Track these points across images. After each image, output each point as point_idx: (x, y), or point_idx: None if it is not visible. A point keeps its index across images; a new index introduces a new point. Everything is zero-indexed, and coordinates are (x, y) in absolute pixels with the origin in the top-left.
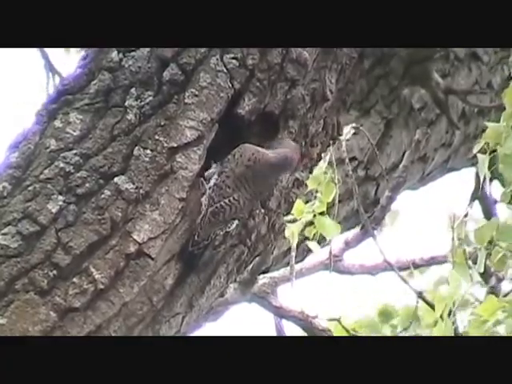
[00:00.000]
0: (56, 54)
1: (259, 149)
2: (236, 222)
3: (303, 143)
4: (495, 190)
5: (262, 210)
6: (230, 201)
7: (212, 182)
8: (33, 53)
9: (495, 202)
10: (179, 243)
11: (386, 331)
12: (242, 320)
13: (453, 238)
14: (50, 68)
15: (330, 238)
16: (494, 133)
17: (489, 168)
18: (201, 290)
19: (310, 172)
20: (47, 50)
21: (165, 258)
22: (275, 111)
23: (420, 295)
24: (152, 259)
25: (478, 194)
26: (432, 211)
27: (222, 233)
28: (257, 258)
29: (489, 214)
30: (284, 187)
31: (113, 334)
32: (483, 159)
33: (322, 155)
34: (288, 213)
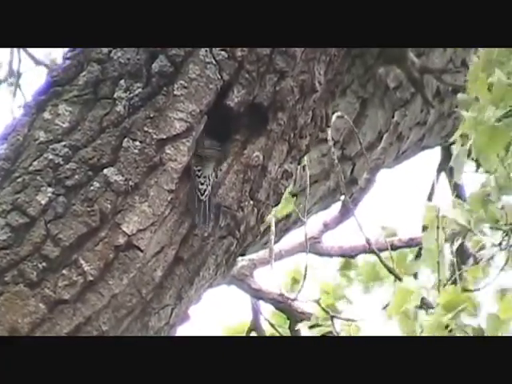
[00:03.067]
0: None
1: None
2: None
3: (292, 135)
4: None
5: (251, 202)
6: None
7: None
8: None
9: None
10: (168, 235)
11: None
12: (220, 302)
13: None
14: None
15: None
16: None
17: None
18: (190, 281)
19: (299, 163)
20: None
21: (154, 250)
22: (264, 103)
23: (398, 278)
24: (141, 251)
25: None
26: (407, 190)
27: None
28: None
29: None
30: (273, 178)
31: (102, 326)
32: (460, 151)
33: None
34: (277, 204)
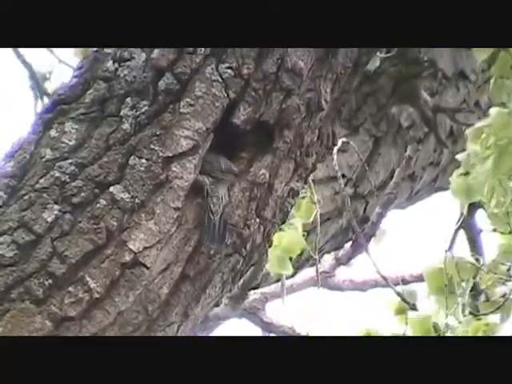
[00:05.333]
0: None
1: None
2: None
3: (298, 153)
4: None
5: (257, 220)
6: None
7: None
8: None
9: (480, 231)
10: (174, 252)
11: None
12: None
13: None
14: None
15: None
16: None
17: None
18: (196, 299)
19: (305, 182)
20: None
21: (160, 268)
22: (270, 121)
23: (414, 307)
24: (147, 268)
25: (463, 224)
26: (420, 230)
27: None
28: (248, 273)
29: (474, 243)
30: (279, 196)
31: None
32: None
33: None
34: (283, 222)
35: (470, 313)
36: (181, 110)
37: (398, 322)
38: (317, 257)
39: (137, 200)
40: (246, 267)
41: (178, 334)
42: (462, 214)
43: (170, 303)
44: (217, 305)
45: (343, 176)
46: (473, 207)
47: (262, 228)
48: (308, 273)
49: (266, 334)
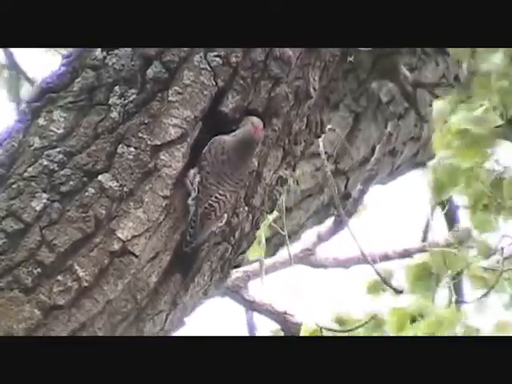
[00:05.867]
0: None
1: (225, 138)
2: (226, 215)
3: (287, 141)
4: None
5: (246, 208)
6: (216, 197)
7: (196, 182)
8: None
9: (457, 207)
10: (163, 241)
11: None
12: (214, 314)
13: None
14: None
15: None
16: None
17: None
18: (185, 287)
19: (294, 170)
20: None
21: (149, 256)
22: (259, 109)
23: (399, 292)
24: (136, 257)
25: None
26: (401, 204)
27: (217, 231)
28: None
29: (451, 219)
30: (268, 185)
31: (97, 332)
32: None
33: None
34: (272, 210)
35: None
36: (169, 99)
37: (372, 301)
38: (285, 233)
39: (125, 188)
40: (234, 255)
41: (167, 323)
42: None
43: (159, 292)
44: (205, 293)
45: (324, 153)
46: None
47: (250, 216)
48: (291, 251)
49: (249, 312)
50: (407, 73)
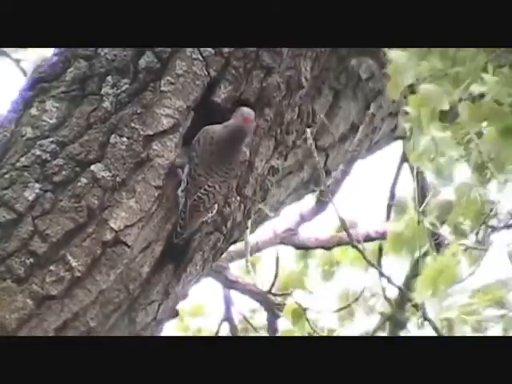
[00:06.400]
0: None
1: (215, 128)
2: (216, 206)
3: (278, 130)
4: None
5: (238, 198)
6: (205, 189)
7: (185, 172)
8: None
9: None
10: (155, 231)
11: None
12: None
13: None
14: None
15: None
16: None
17: None
18: (177, 277)
19: (285, 160)
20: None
21: (141, 246)
22: (251, 99)
23: (383, 275)
24: (128, 247)
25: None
26: (380, 180)
27: (208, 221)
28: None
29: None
30: (259, 174)
31: (89, 322)
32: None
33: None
34: (263, 200)
35: None
36: (161, 89)
37: None
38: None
39: (118, 178)
40: (226, 245)
41: (159, 313)
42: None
43: (151, 282)
44: (197, 282)
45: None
46: None
47: (242, 206)
48: (273, 231)
49: (226, 291)
50: (386, 49)
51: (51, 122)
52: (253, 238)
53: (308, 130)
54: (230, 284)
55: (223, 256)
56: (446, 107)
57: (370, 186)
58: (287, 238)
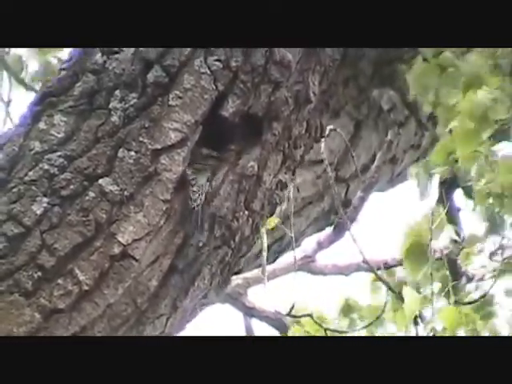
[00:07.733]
0: None
1: None
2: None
3: (286, 145)
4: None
5: (246, 212)
6: None
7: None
8: None
9: (459, 209)
10: (163, 244)
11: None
12: (213, 320)
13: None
14: None
15: None
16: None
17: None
18: (185, 291)
19: (293, 174)
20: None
21: (149, 260)
22: (259, 113)
23: (399, 295)
24: (136, 261)
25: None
26: (401, 212)
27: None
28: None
29: (453, 220)
30: (267, 189)
31: (97, 335)
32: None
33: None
34: (271, 214)
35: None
36: (169, 103)
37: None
38: (292, 235)
39: (126, 192)
40: (234, 259)
41: (167, 326)
42: (440, 192)
43: (159, 295)
44: (205, 296)
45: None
46: (451, 187)
47: (250, 220)
48: (290, 257)
49: (246, 319)
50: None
51: (59, 136)
52: (270, 264)
53: (326, 162)
54: (247, 310)
55: (240, 282)
56: None
57: (388, 213)
58: (304, 265)
